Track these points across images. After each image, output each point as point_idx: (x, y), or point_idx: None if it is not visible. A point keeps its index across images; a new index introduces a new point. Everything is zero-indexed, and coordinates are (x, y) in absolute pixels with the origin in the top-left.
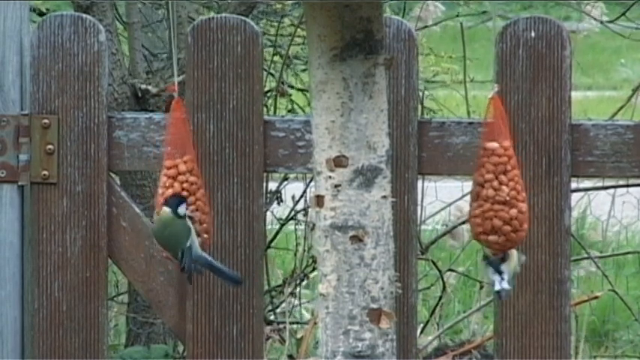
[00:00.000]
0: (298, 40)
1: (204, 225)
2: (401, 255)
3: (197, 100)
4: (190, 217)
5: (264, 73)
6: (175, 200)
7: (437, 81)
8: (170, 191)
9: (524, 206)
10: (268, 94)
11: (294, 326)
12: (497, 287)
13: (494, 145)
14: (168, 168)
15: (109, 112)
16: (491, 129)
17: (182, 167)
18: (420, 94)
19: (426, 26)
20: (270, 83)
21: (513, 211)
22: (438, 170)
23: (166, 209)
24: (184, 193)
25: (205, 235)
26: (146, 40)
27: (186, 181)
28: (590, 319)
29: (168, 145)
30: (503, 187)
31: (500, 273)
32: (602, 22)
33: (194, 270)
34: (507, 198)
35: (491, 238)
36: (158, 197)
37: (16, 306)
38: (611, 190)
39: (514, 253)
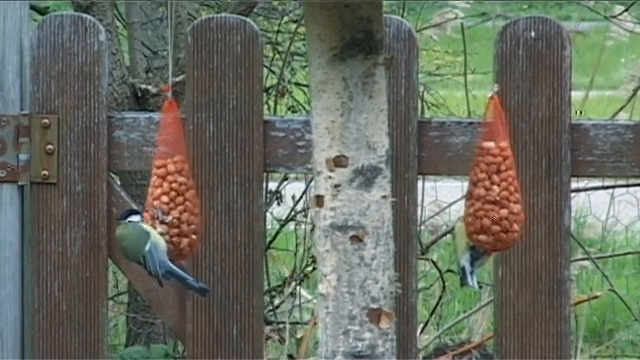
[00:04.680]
0: (297, 38)
1: (193, 226)
2: (401, 255)
3: (197, 100)
4: (165, 223)
5: (264, 70)
6: (126, 212)
7: (440, 74)
8: (159, 191)
9: (516, 207)
10: (269, 92)
11: (294, 326)
12: (469, 282)
13: (489, 144)
14: (158, 167)
15: (109, 112)
16: (490, 129)
17: (171, 167)
18: (421, 88)
19: (425, 27)
20: (271, 79)
21: (504, 212)
22: (438, 170)
23: (119, 222)
24: (172, 193)
25: (194, 236)
26: (146, 39)
27: (175, 181)
28: (591, 319)
29: (160, 145)
30: (494, 187)
31: (472, 264)
32: (606, 18)
33: (162, 275)
34: (497, 198)
35: (481, 237)
36: (148, 197)
37: (16, 306)
38: (611, 190)
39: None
